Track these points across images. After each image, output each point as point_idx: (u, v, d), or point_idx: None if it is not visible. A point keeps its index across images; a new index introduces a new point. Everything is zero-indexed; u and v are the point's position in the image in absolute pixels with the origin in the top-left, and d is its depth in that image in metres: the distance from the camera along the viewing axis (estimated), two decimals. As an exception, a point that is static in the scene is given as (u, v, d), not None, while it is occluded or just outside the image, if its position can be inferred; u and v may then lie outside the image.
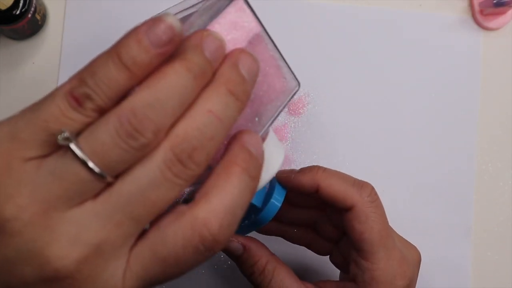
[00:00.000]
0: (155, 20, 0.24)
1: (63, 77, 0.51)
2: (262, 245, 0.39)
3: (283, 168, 0.39)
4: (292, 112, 0.52)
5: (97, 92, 0.23)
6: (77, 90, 0.23)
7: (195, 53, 0.24)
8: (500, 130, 0.53)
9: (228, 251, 0.38)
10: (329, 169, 0.39)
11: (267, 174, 0.32)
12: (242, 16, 0.28)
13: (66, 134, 0.23)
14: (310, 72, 0.53)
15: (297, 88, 0.31)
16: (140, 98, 0.23)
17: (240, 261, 0.38)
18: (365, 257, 0.37)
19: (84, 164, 0.23)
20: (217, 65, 0.25)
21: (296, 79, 0.31)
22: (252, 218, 0.38)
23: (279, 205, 0.38)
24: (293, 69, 0.54)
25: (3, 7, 0.46)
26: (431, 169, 0.52)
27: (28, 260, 0.23)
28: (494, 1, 0.50)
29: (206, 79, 0.25)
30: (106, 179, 0.23)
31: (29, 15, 0.47)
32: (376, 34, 0.54)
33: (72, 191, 0.23)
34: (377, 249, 0.37)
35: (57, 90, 0.24)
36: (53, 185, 0.23)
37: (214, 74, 0.25)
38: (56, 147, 0.23)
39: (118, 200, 0.23)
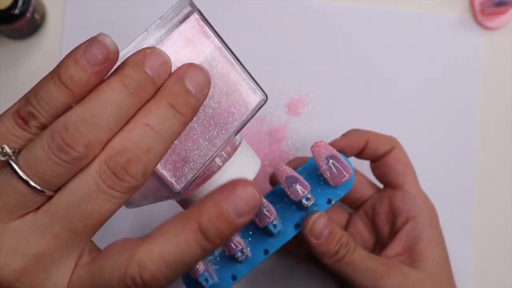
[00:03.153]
0: (92, 41, 0.25)
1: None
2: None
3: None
4: (292, 112, 0.52)
5: (40, 110, 0.25)
6: (22, 109, 0.25)
7: (133, 69, 0.25)
8: (501, 130, 0.53)
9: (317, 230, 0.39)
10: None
11: None
12: (197, 31, 0.28)
13: (5, 150, 0.24)
14: (310, 72, 0.53)
15: (263, 100, 0.31)
16: (74, 114, 0.24)
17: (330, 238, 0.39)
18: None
19: (21, 178, 0.24)
20: (162, 81, 0.26)
21: (262, 91, 0.31)
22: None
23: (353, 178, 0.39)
24: (291, 70, 0.54)
25: (2, 7, 0.45)
26: (431, 169, 0.52)
27: None
28: (495, 1, 0.50)
29: (147, 95, 0.25)
30: (45, 193, 0.24)
31: (28, 15, 0.47)
32: (376, 34, 0.53)
33: (12, 205, 0.24)
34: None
35: (7, 110, 0.25)
36: None
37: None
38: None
39: (56, 212, 0.24)
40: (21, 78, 0.51)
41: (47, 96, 0.24)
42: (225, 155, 0.32)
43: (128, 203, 0.33)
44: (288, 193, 0.38)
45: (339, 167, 0.38)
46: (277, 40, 0.53)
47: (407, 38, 0.53)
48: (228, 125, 0.29)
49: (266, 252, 0.39)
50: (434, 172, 0.52)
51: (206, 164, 0.29)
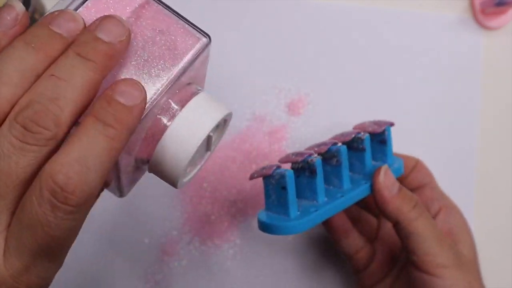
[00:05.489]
0: (2, 7, 0.26)
1: (62, 77, 0.50)
2: None
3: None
4: (292, 112, 0.52)
5: None
6: None
7: (37, 27, 0.25)
8: (501, 130, 0.53)
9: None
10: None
11: (195, 136, 0.30)
12: None
13: None
14: (310, 72, 0.53)
15: (206, 41, 0.30)
16: None
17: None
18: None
19: None
20: (73, 37, 0.26)
21: (204, 33, 0.30)
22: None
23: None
24: (291, 70, 0.54)
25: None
26: (431, 169, 0.52)
27: None
28: (496, 1, 0.50)
29: (54, 50, 0.25)
30: None
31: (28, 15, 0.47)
32: (377, 34, 0.53)
33: None
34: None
35: None
36: None
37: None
38: None
39: None
40: (20, 78, 0.51)
41: None
42: (177, 107, 0.30)
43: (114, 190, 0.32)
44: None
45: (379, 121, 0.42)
46: (277, 40, 0.53)
47: (407, 38, 0.53)
48: (172, 68, 0.28)
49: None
50: (434, 172, 0.52)
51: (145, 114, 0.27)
